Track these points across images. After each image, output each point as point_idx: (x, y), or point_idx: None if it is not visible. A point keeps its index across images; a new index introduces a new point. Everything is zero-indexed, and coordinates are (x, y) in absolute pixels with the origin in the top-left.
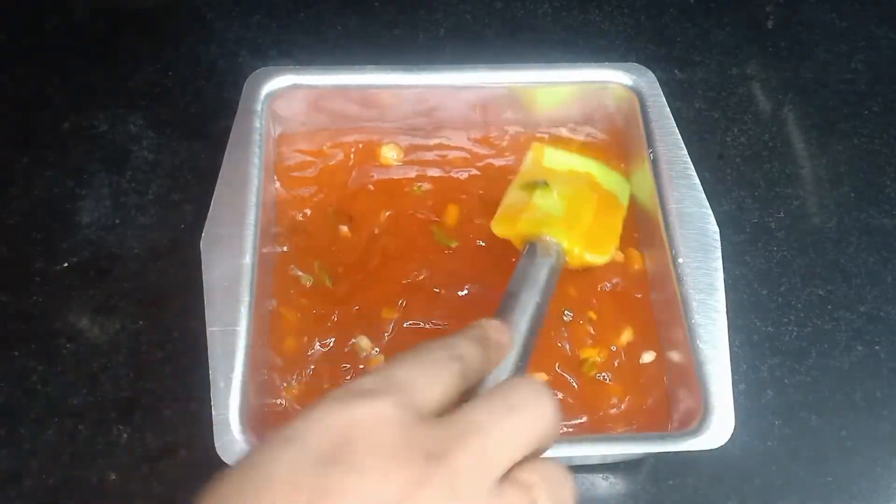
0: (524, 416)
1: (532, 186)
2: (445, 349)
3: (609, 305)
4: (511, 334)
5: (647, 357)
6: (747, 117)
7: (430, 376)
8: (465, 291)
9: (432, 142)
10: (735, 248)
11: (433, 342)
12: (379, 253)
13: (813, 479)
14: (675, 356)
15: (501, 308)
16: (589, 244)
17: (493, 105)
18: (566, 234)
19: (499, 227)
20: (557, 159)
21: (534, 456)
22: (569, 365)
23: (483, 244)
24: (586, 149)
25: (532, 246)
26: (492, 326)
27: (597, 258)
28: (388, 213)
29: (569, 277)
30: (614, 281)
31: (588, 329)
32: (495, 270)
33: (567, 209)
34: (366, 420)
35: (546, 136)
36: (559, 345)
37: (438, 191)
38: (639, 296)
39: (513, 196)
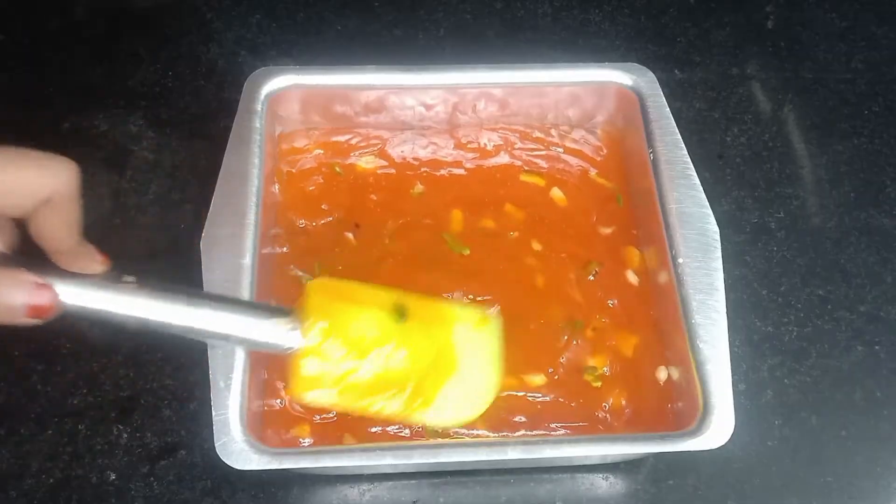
0: None
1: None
2: None
3: (612, 311)
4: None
5: (648, 359)
6: (747, 117)
7: None
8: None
9: (431, 141)
10: (735, 248)
11: None
12: (388, 259)
13: (813, 479)
14: (675, 357)
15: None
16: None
17: (493, 105)
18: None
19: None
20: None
21: None
22: (571, 367)
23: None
24: None
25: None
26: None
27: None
28: (398, 222)
29: (573, 285)
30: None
31: (589, 333)
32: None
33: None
34: None
35: None
36: (560, 347)
37: (437, 193)
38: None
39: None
